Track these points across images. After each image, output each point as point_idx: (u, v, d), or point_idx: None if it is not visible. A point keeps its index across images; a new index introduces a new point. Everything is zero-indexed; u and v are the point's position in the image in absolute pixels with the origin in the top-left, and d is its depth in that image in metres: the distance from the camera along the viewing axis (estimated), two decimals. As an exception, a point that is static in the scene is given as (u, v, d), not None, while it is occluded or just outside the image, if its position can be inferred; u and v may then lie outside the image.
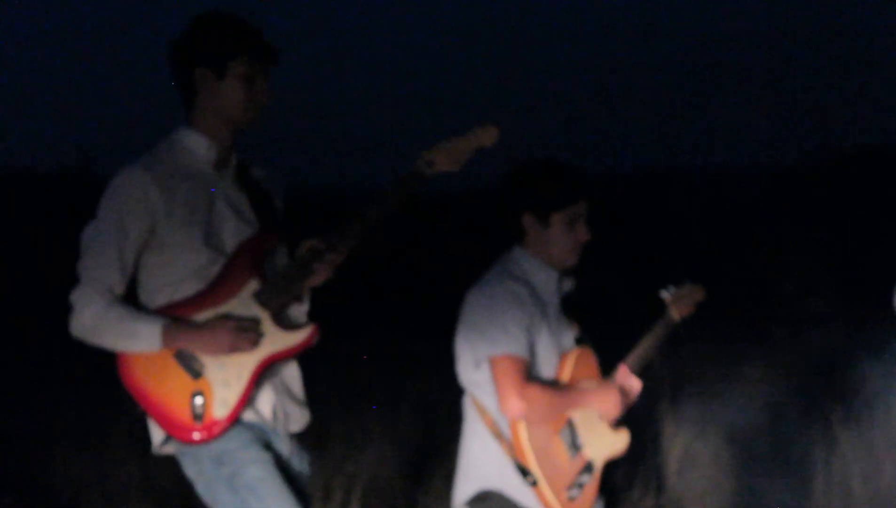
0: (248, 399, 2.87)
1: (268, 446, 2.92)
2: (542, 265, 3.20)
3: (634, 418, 5.53)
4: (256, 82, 2.89)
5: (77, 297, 2.83)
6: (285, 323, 2.93)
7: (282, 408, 2.97)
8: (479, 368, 3.12)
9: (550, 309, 3.21)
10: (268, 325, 2.89)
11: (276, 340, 2.90)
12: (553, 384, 3.13)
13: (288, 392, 3.00)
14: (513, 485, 3.10)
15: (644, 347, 3.38)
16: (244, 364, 2.86)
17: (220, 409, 2.83)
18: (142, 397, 2.84)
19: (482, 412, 3.15)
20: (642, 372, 3.39)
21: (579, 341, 3.29)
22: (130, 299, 2.90)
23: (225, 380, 2.84)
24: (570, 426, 3.18)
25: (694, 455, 5.44)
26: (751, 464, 5.36)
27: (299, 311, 3.01)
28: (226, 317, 2.84)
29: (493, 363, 3.07)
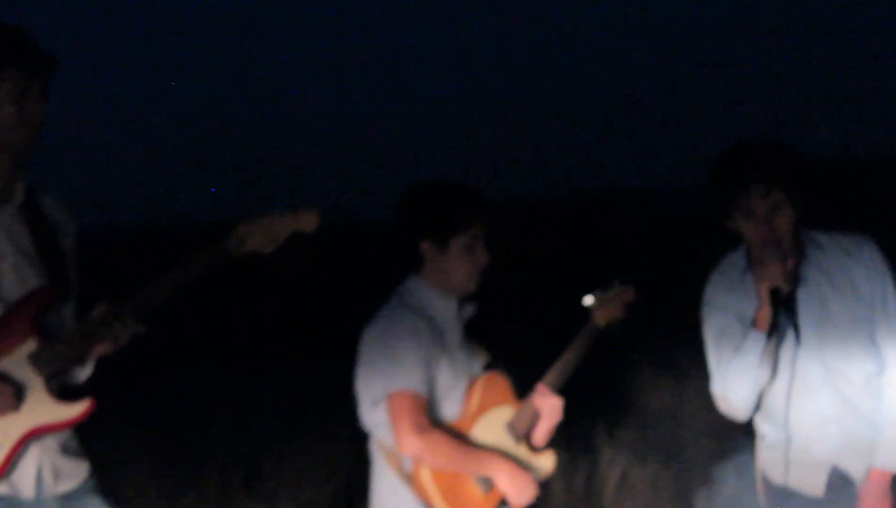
0: (6, 470, 2.67)
1: None
2: (440, 294, 3.09)
3: (569, 441, 5.41)
4: (27, 98, 2.64)
5: None
6: (59, 391, 2.73)
7: (50, 469, 2.76)
8: (377, 407, 3.00)
9: (452, 339, 3.09)
10: (39, 393, 2.68)
11: (46, 411, 2.69)
12: (460, 438, 3.00)
13: (60, 448, 2.79)
14: None
15: (565, 361, 3.23)
16: (7, 433, 2.66)
17: None
18: None
19: (388, 454, 3.04)
20: (569, 389, 3.24)
21: (489, 367, 3.16)
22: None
23: None
24: None
25: (633, 481, 5.31)
26: (691, 490, 5.24)
27: (80, 376, 2.82)
28: None
29: (389, 399, 2.96)
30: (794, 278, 2.96)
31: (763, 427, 3.08)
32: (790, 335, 2.97)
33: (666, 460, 5.54)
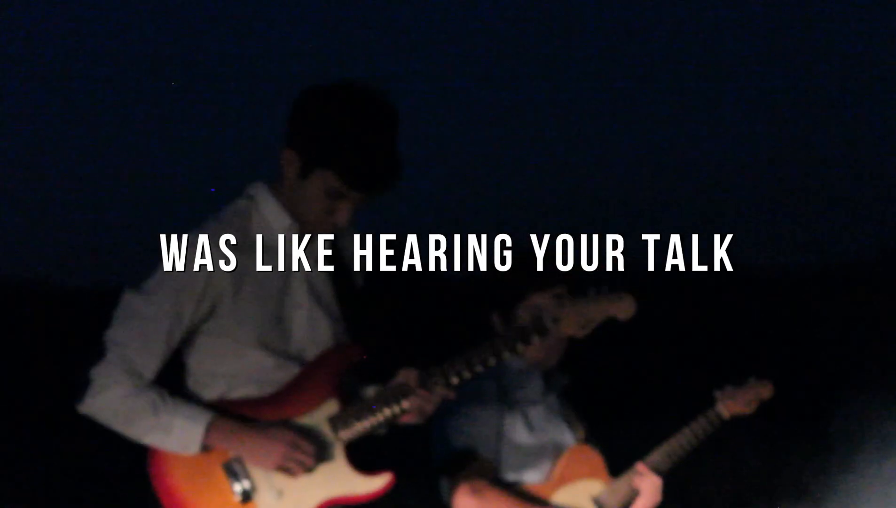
0: None
1: None
2: (519, 364, 3.04)
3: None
4: (341, 202, 2.46)
5: (100, 374, 2.40)
6: (356, 461, 2.50)
7: None
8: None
9: (536, 408, 3.06)
10: (339, 460, 2.48)
11: (344, 481, 2.47)
12: (517, 494, 2.96)
13: None
14: None
15: (675, 444, 3.11)
16: (303, 502, 2.44)
17: None
18: (172, 504, 2.44)
19: None
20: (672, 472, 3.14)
21: (584, 441, 3.14)
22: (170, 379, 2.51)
23: None
24: None
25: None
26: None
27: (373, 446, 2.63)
28: (287, 426, 2.44)
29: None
30: None
31: None
32: None
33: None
